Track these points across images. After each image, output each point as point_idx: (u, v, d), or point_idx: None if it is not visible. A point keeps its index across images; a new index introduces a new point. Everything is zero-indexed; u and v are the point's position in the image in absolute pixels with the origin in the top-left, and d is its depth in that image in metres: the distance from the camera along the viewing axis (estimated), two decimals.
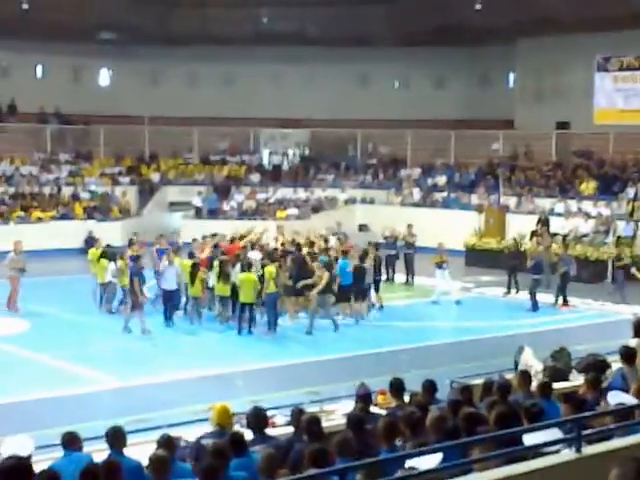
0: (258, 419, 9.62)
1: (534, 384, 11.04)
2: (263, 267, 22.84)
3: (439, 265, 27.38)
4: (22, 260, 25.39)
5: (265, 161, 45.95)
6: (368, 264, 24.81)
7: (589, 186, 36.79)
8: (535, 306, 26.08)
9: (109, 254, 25.05)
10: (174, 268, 23.55)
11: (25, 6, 40.25)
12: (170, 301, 23.49)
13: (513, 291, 28.57)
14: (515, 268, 28.68)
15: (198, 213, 39.94)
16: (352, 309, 24.42)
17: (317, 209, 40.22)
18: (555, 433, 7.63)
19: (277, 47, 44.97)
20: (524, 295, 27.36)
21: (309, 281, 23.30)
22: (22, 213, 37.64)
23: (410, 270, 30.41)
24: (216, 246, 25.53)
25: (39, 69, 46.37)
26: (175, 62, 46.67)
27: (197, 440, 9.60)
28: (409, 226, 31.58)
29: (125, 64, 47.48)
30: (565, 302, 26.64)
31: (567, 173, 38.79)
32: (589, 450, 7.34)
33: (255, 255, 24.44)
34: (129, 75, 47.58)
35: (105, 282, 24.49)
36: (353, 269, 24.29)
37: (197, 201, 40.32)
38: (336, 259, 24.86)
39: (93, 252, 25.83)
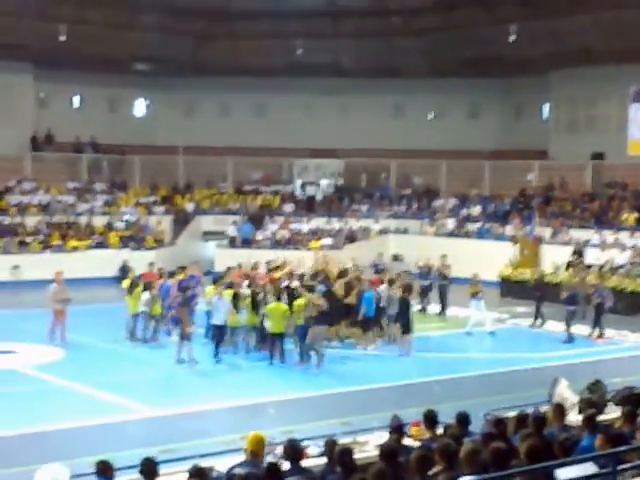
0: (294, 450, 9.57)
1: (576, 417, 10.86)
2: (295, 298, 22.79)
3: (474, 296, 27.24)
4: (65, 290, 25.07)
5: (298, 191, 46.03)
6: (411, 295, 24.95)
7: (630, 217, 36.50)
8: (570, 338, 25.84)
9: (145, 283, 25.15)
10: (224, 302, 23.02)
11: (62, 38, 40.76)
12: (220, 336, 22.81)
13: (539, 321, 28.38)
14: (541, 299, 28.50)
15: (232, 242, 40.01)
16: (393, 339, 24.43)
17: (351, 239, 40.18)
18: (590, 467, 7.53)
19: (310, 78, 45.21)
20: (550, 326, 27.24)
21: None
22: (58, 242, 37.94)
23: (444, 301, 30.27)
24: (247, 276, 25.58)
25: (76, 100, 46.86)
26: (209, 93, 47.03)
27: (229, 470, 9.56)
28: (443, 257, 31.42)
29: (160, 95, 47.94)
30: (601, 334, 26.38)
31: (602, 204, 38.54)
32: None
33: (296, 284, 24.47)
34: (163, 106, 48.02)
35: (137, 312, 24.58)
36: (398, 300, 24.30)
37: (232, 230, 40.41)
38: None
39: (126, 282, 25.94)
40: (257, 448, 9.59)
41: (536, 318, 28.50)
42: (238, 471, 9.13)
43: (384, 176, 46.16)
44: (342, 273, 26.84)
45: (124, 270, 33.03)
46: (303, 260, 30.35)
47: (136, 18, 43.34)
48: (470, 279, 27.75)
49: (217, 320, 22.82)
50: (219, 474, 9.99)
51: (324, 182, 46.93)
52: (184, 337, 22.16)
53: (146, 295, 24.63)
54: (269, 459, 9.84)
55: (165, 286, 25.78)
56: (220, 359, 22.42)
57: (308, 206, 44.09)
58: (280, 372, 21.63)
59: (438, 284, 30.57)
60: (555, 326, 27.55)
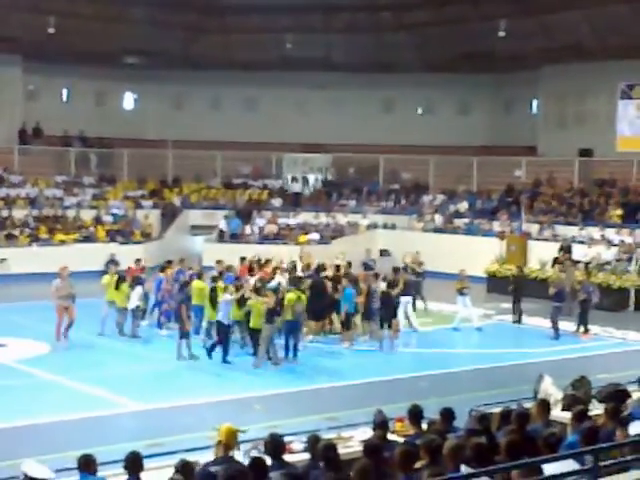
0: (275, 445, 9.59)
1: (561, 413, 10.91)
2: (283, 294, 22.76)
3: (460, 291, 27.30)
4: (69, 286, 24.06)
5: (287, 186, 46.03)
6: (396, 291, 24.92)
7: (616, 213, 36.61)
8: (556, 334, 25.92)
9: (134, 278, 25.11)
10: (228, 296, 22.29)
11: (51, 30, 40.66)
12: (225, 335, 21.97)
13: (516, 317, 28.47)
14: (518, 294, 28.54)
15: (221, 237, 39.97)
16: (375, 335, 24.44)
17: (338, 234, 40.19)
18: (572, 464, 7.59)
19: (301, 72, 45.22)
20: (536, 322, 27.58)
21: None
22: (46, 235, 37.87)
23: (420, 297, 29.99)
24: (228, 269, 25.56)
25: (64, 93, 46.74)
26: (199, 86, 46.99)
27: (203, 467, 9.52)
28: (414, 253, 31.15)
29: (149, 88, 47.87)
30: (586, 330, 26.48)
31: (590, 200, 38.63)
32: None
33: (281, 280, 24.40)
34: (153, 99, 47.95)
35: (132, 307, 24.51)
36: (381, 295, 24.33)
37: (223, 225, 40.34)
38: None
39: (108, 278, 25.42)
40: (230, 440, 9.63)
41: (514, 313, 28.56)
42: (215, 469, 9.14)
43: (372, 171, 46.01)
44: (337, 268, 26.88)
45: (110, 264, 33.08)
46: (286, 255, 30.33)
47: (126, 11, 43.19)
48: (457, 275, 27.80)
49: (223, 317, 22.05)
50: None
51: (312, 177, 46.91)
52: (184, 334, 22.12)
53: (139, 290, 24.58)
54: (254, 454, 9.88)
55: (157, 280, 25.79)
56: (228, 361, 21.77)
57: (296, 201, 44.09)
58: (267, 367, 21.62)
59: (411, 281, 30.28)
60: (541, 322, 27.63)
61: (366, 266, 28.81)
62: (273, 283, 23.58)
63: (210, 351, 22.05)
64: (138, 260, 27.73)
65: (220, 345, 21.90)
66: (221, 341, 21.89)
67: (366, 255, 33.12)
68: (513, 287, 28.74)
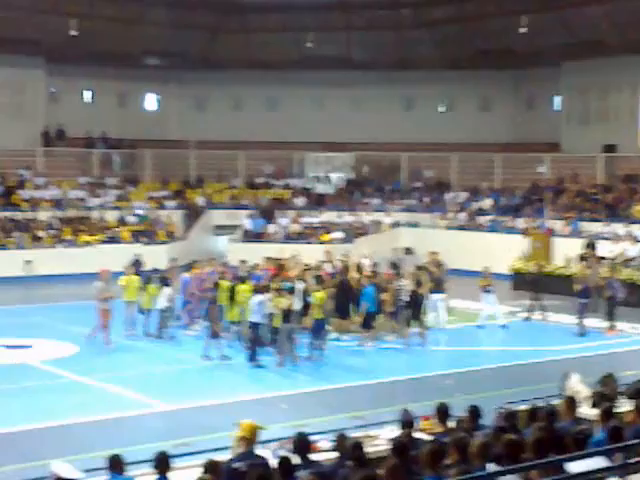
0: (302, 444, 9.62)
1: (589, 410, 10.85)
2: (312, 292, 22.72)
3: (485, 289, 27.23)
4: (110, 289, 24.07)
5: (310, 185, 46.03)
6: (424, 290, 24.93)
7: None
8: (583, 331, 25.80)
9: (161, 279, 25.12)
10: (263, 298, 21.78)
11: (73, 33, 40.85)
12: (256, 335, 21.66)
13: (536, 313, 28.36)
14: (537, 291, 28.49)
15: (246, 236, 40.03)
16: (401, 333, 24.43)
17: (362, 233, 40.18)
18: (601, 461, 7.56)
19: (322, 71, 45.24)
20: (562, 319, 27.52)
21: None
22: (70, 237, 38.07)
23: None
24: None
25: (87, 94, 46.96)
26: (220, 87, 47.09)
27: (228, 463, 9.54)
28: (435, 254, 31.17)
29: (171, 89, 48.06)
30: (612, 327, 26.34)
31: (614, 196, 38.43)
32: (634, 479, 7.24)
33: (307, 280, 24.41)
34: (175, 100, 48.13)
35: (161, 308, 24.50)
36: (410, 294, 24.36)
37: (248, 224, 40.42)
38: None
39: (126, 279, 25.07)
40: (252, 436, 9.66)
41: (533, 309, 28.43)
42: (239, 465, 9.17)
43: (395, 169, 45.96)
44: (358, 268, 26.87)
45: (136, 264, 33.14)
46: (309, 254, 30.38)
47: (147, 12, 43.43)
48: (481, 272, 27.72)
49: (254, 317, 21.71)
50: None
51: (335, 175, 46.90)
52: (214, 335, 22.11)
53: (167, 291, 24.62)
54: (281, 453, 9.90)
55: (184, 280, 25.78)
56: (259, 363, 21.43)
57: (319, 200, 44.10)
58: (292, 366, 21.63)
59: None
60: (567, 319, 27.51)
61: (394, 265, 28.73)
62: (292, 284, 23.34)
63: (251, 356, 21.54)
64: (174, 259, 27.59)
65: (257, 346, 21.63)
66: (257, 342, 21.64)
67: (393, 254, 33.05)
68: (531, 284, 28.67)
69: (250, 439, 9.67)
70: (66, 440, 15.43)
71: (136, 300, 24.82)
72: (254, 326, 21.58)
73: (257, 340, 21.64)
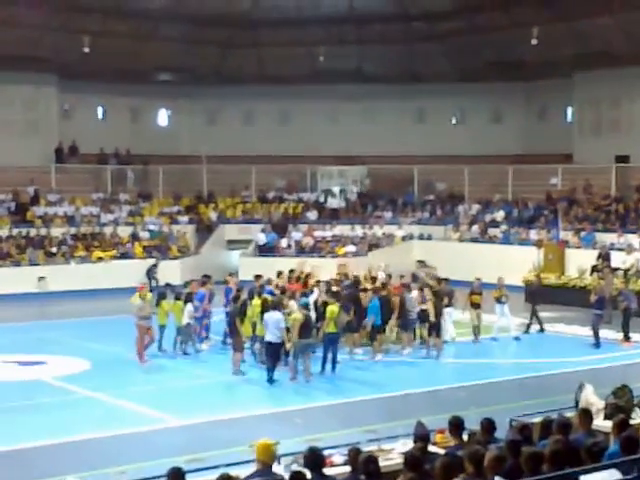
0: (315, 459, 9.56)
1: (603, 422, 10.78)
2: (325, 306, 22.68)
3: (498, 300, 27.09)
4: (149, 306, 23.94)
5: (322, 198, 46.06)
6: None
7: None
8: (597, 342, 25.67)
9: (188, 295, 25.00)
10: (275, 315, 21.28)
11: (86, 50, 41.03)
12: (273, 355, 21.16)
13: (534, 326, 28.05)
14: (535, 302, 28.16)
15: (261, 250, 40.03)
16: (411, 345, 24.40)
17: (374, 246, 40.16)
18: (614, 474, 7.51)
19: (334, 85, 45.33)
20: (576, 330, 27.35)
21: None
22: (83, 253, 38.16)
23: None
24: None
25: (99, 111, 47.14)
26: (232, 101, 47.20)
27: None
28: (431, 268, 31.14)
29: (182, 104, 48.23)
30: (627, 338, 26.21)
31: (627, 207, 38.32)
32: None
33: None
34: (187, 115, 48.29)
35: (184, 324, 24.39)
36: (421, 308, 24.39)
37: (261, 238, 40.43)
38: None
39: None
40: (267, 457, 9.61)
41: (531, 321, 27.98)
42: None
43: (407, 182, 45.94)
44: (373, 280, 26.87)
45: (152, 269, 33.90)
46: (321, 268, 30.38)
47: (159, 28, 43.58)
48: (495, 284, 27.61)
49: (269, 336, 21.14)
50: None
51: (348, 189, 46.91)
52: (237, 348, 22.01)
53: (190, 307, 24.57)
54: (294, 467, 9.87)
55: (199, 295, 25.63)
56: (274, 381, 21.08)
57: (332, 213, 44.12)
58: (305, 381, 21.59)
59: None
60: (581, 330, 27.39)
61: (414, 277, 28.71)
62: (306, 298, 23.26)
63: (269, 377, 21.10)
64: (207, 276, 27.48)
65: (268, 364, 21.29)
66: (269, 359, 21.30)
67: (416, 266, 32.92)
68: (530, 295, 28.45)
69: (265, 460, 9.62)
70: (80, 456, 15.40)
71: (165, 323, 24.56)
72: (271, 345, 21.15)
73: (276, 359, 21.30)
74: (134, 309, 23.76)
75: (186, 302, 24.55)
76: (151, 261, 37.76)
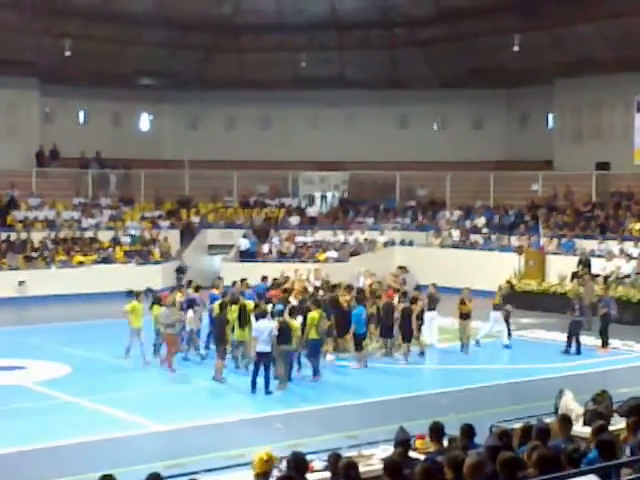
0: (298, 463, 9.57)
1: (582, 428, 10.81)
2: (306, 312, 22.67)
3: (495, 307, 27.01)
4: (174, 314, 23.36)
5: (303, 204, 46.06)
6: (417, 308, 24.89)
7: (634, 227, 36.37)
8: (578, 349, 25.74)
9: (190, 301, 24.81)
10: (268, 324, 21.02)
11: (67, 53, 40.88)
12: (262, 365, 20.64)
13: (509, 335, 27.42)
14: (508, 311, 27.31)
15: (243, 255, 39.97)
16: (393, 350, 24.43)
17: (356, 252, 40.20)
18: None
19: (315, 91, 45.35)
20: (556, 336, 27.37)
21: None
22: (64, 257, 38.03)
23: None
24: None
25: (81, 115, 46.99)
26: (214, 106, 47.17)
27: None
28: (397, 272, 31.11)
29: (165, 109, 48.17)
30: (605, 344, 26.30)
31: (608, 214, 38.50)
32: None
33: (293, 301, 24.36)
34: (169, 120, 48.22)
35: (188, 330, 24.28)
36: (401, 311, 24.35)
37: (244, 244, 40.37)
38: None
39: (135, 305, 24.09)
40: (264, 469, 9.58)
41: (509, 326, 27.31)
42: None
43: (389, 188, 45.98)
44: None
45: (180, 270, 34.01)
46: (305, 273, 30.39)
47: (141, 33, 43.44)
48: (495, 291, 27.60)
49: (260, 346, 20.69)
50: None
51: (329, 194, 46.94)
52: (222, 356, 21.93)
53: (190, 313, 24.42)
54: (275, 473, 9.86)
55: (212, 296, 25.27)
56: (270, 391, 20.56)
57: (313, 219, 44.15)
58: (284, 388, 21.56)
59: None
60: (561, 337, 27.44)
61: (404, 281, 28.82)
62: (280, 306, 22.98)
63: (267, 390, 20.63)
64: (219, 278, 27.27)
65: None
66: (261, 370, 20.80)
67: (397, 272, 32.91)
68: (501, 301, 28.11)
69: (262, 473, 9.57)
70: (60, 461, 15.35)
71: (142, 327, 23.96)
72: (264, 355, 20.62)
73: (268, 368, 20.75)
74: (161, 318, 23.25)
75: (188, 308, 24.44)
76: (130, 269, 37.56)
